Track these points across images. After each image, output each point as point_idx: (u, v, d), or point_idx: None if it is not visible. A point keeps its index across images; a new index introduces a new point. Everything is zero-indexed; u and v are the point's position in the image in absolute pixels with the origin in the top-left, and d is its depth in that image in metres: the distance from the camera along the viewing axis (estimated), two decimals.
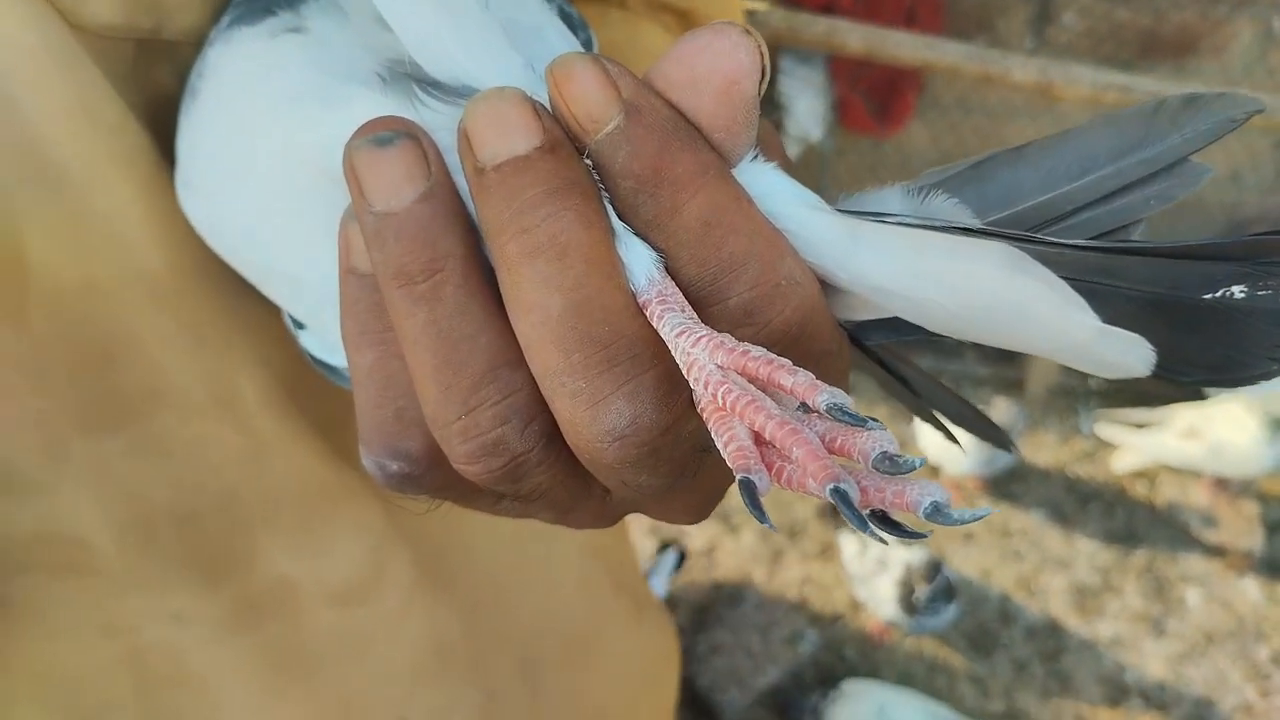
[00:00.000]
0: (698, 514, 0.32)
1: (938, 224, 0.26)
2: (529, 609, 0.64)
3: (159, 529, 0.43)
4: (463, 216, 0.26)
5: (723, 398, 0.24)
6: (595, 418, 0.24)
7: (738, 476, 0.23)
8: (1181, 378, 0.26)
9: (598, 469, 0.26)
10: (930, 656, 2.03)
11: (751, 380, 0.24)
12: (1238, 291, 0.24)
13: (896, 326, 0.30)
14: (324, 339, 0.38)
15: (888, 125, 2.19)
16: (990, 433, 0.36)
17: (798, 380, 0.23)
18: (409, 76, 0.29)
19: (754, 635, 2.02)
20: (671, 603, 2.04)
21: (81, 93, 0.34)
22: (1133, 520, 2.27)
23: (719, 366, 0.24)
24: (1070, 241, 0.25)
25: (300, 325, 0.38)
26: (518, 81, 0.25)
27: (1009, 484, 2.33)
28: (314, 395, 0.45)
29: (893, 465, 0.22)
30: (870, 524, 0.22)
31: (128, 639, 0.45)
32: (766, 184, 0.27)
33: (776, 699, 1.91)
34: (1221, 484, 2.25)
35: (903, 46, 1.17)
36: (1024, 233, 0.26)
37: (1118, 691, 2.00)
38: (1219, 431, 2.11)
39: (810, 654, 2.01)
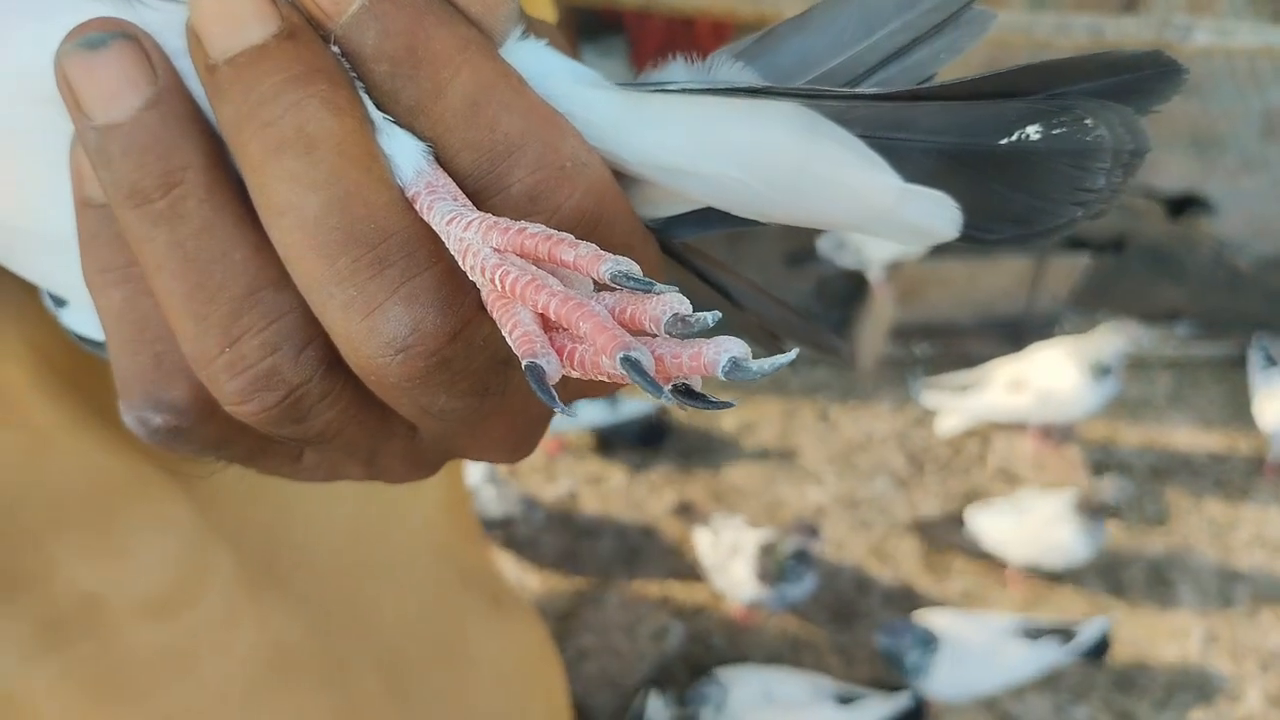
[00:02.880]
0: (516, 447, 0.30)
1: (722, 86, 0.25)
2: (382, 612, 0.60)
3: None
4: (200, 124, 0.23)
5: (500, 280, 0.22)
6: (372, 329, 0.22)
7: (523, 362, 0.21)
8: (989, 236, 0.25)
9: (388, 393, 0.24)
10: (794, 634, 2.06)
11: (532, 260, 0.22)
12: (1033, 132, 0.23)
13: (704, 221, 0.28)
14: (80, 303, 0.33)
15: None
16: (820, 339, 0.35)
17: (580, 252, 0.21)
18: None
19: (620, 636, 2.00)
20: None
21: None
22: (969, 478, 2.36)
23: (495, 250, 0.22)
24: (859, 92, 0.24)
25: (60, 303, 0.34)
26: None
27: (852, 456, 2.39)
28: (93, 382, 0.40)
29: (685, 326, 0.21)
30: (670, 394, 0.21)
31: None
32: (538, 62, 0.25)
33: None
34: (1047, 432, 2.37)
35: None
36: (812, 88, 0.24)
37: None
38: (1042, 381, 2.20)
39: (678, 647, 2.00)
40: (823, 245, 2.38)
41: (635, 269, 0.21)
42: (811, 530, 1.91)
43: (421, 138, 0.23)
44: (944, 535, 2.24)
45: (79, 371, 0.40)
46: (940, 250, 2.37)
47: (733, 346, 0.20)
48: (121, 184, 0.23)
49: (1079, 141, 0.23)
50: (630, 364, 0.20)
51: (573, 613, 2.04)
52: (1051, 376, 2.19)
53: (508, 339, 0.22)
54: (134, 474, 0.43)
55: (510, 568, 2.06)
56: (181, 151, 0.23)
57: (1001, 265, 2.49)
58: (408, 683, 0.60)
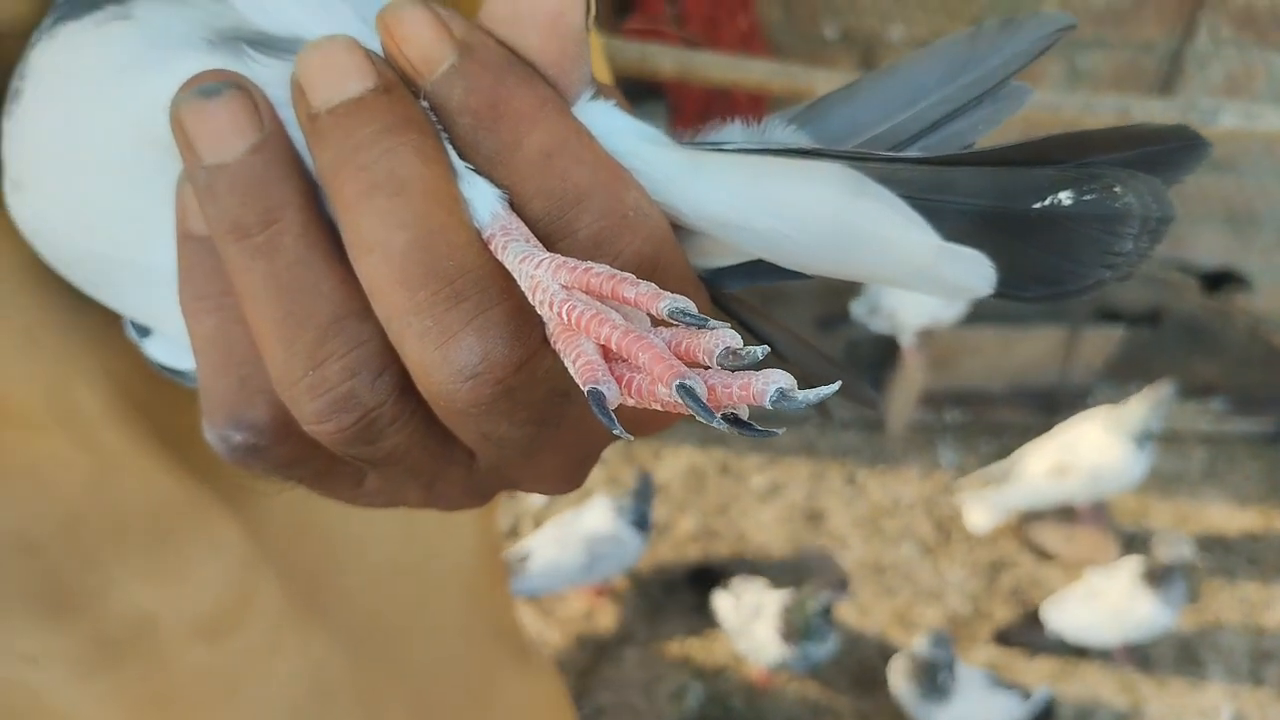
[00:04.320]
0: (569, 478, 0.31)
1: (774, 147, 0.27)
2: (416, 652, 0.61)
3: (1, 564, 0.39)
4: (298, 168, 0.25)
5: (567, 314, 0.23)
6: (445, 357, 0.24)
7: (585, 389, 0.22)
8: (1022, 294, 0.26)
9: (454, 419, 0.26)
10: (814, 700, 2.04)
11: (596, 297, 0.24)
12: (1065, 198, 0.24)
13: (752, 272, 0.30)
14: (168, 335, 0.35)
15: None
16: (858, 391, 0.36)
17: (641, 290, 0.23)
18: (238, 38, 0.28)
19: (638, 694, 1.98)
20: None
21: None
22: (996, 547, 2.33)
23: (563, 286, 0.24)
24: (902, 155, 0.25)
25: (144, 333, 0.36)
26: (349, 31, 0.25)
27: (878, 520, 2.37)
28: (161, 408, 0.42)
29: (736, 359, 0.22)
30: (720, 421, 0.22)
31: None
32: (606, 120, 0.27)
33: None
34: (1094, 511, 2.32)
35: (713, 67, 1.22)
36: (858, 150, 0.26)
37: None
38: (1088, 459, 2.14)
39: (697, 708, 1.99)
40: (856, 309, 2.38)
41: (691, 306, 0.23)
42: (842, 584, 1.90)
43: (498, 185, 0.25)
44: (970, 606, 2.21)
45: (148, 400, 0.42)
46: (974, 318, 2.37)
47: (780, 378, 0.22)
48: (225, 219, 0.25)
49: (1108, 207, 0.24)
50: (685, 391, 0.22)
51: (591, 669, 2.03)
52: (1096, 453, 2.13)
53: (570, 367, 0.23)
54: (193, 501, 0.44)
55: (531, 621, 2.06)
56: (281, 191, 0.25)
57: (1035, 335, 2.49)
58: None
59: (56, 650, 0.42)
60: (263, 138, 0.25)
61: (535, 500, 2.31)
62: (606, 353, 0.23)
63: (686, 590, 2.17)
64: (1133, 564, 2.00)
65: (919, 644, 1.88)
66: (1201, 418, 2.60)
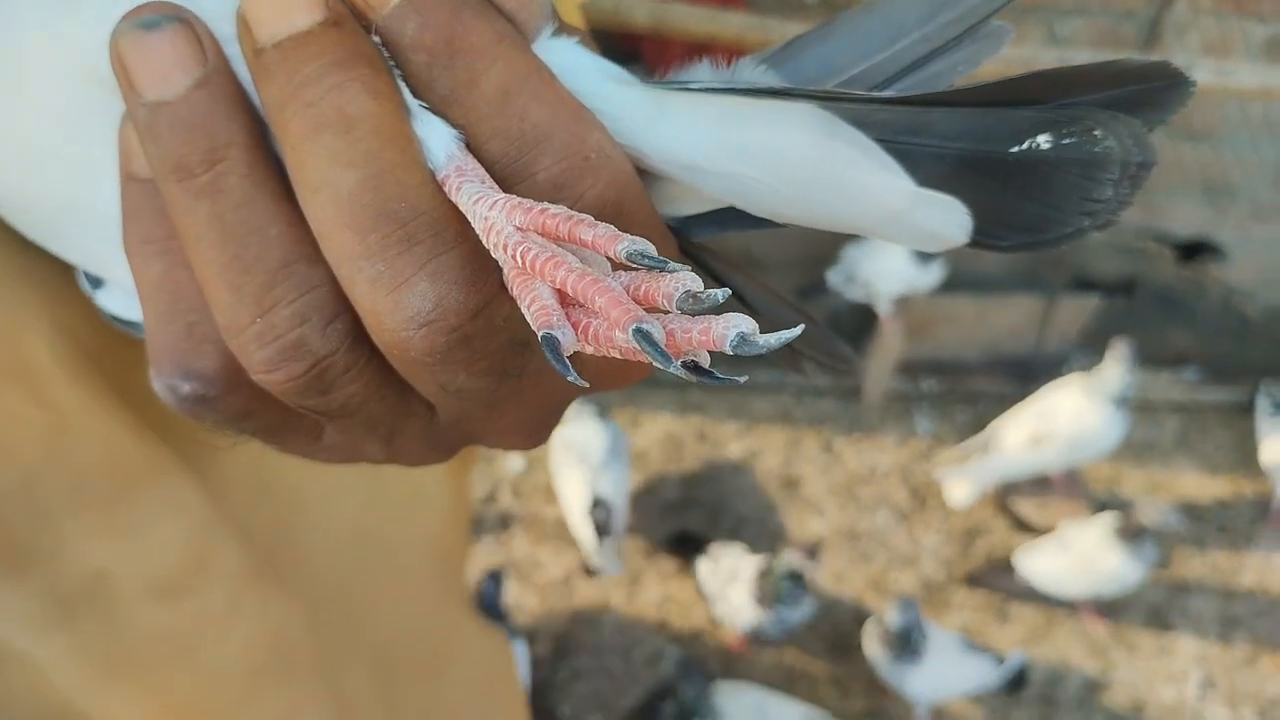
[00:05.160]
0: (533, 433, 0.30)
1: (744, 86, 0.26)
2: (378, 616, 0.60)
3: None
4: (244, 105, 0.24)
5: (522, 257, 0.23)
6: (398, 303, 0.23)
7: (540, 334, 0.22)
8: (999, 243, 0.25)
9: (409, 368, 0.25)
10: (790, 664, 2.06)
11: (553, 239, 0.23)
12: (1044, 141, 0.24)
13: (721, 220, 0.29)
14: (119, 284, 0.34)
15: None
16: (833, 347, 0.36)
17: (598, 232, 0.22)
18: None
19: (615, 658, 2.00)
20: (530, 633, 2.00)
21: None
22: (971, 515, 2.35)
23: (518, 228, 0.23)
24: (876, 95, 0.25)
25: (96, 284, 0.35)
26: None
27: (854, 488, 2.39)
28: (117, 364, 0.41)
29: (696, 302, 0.21)
30: (680, 368, 0.21)
31: None
32: (568, 58, 0.26)
33: (641, 717, 1.89)
34: (1069, 478, 2.34)
35: (688, 19, 1.21)
36: (830, 90, 0.25)
37: None
38: (1067, 426, 2.15)
39: (672, 672, 2.00)
40: (833, 278, 2.39)
41: (650, 249, 0.22)
42: (810, 552, 1.92)
43: (454, 125, 0.24)
44: (944, 571, 2.24)
45: (104, 355, 0.41)
46: (950, 286, 2.38)
47: (741, 322, 0.21)
48: (168, 158, 0.24)
49: (1088, 152, 0.23)
50: (642, 336, 0.21)
51: (569, 633, 2.04)
52: (1075, 419, 2.14)
53: (525, 313, 0.22)
54: (150, 458, 0.44)
55: (510, 586, 2.07)
56: (226, 130, 0.24)
57: (1011, 303, 2.50)
58: (396, 688, 0.61)
59: (10, 606, 0.42)
60: (206, 73, 0.24)
61: (513, 465, 2.31)
62: (563, 298, 0.23)
63: (664, 557, 2.18)
64: (1107, 519, 2.02)
65: (889, 611, 1.90)
66: (1174, 387, 2.62)
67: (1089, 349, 2.57)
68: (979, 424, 2.40)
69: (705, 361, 0.22)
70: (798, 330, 0.21)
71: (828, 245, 2.38)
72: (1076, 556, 2.02)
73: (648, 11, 1.17)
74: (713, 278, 0.32)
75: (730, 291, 0.22)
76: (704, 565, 2.02)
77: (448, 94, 0.24)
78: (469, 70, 0.24)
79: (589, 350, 0.22)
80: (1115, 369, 2.11)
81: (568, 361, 0.21)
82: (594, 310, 0.22)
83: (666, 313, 0.22)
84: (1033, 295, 2.48)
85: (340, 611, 0.57)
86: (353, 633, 0.58)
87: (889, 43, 0.27)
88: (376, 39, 0.24)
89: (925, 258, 2.26)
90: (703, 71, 0.28)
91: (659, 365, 0.21)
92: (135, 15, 0.24)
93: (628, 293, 0.22)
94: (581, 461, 1.95)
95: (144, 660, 0.46)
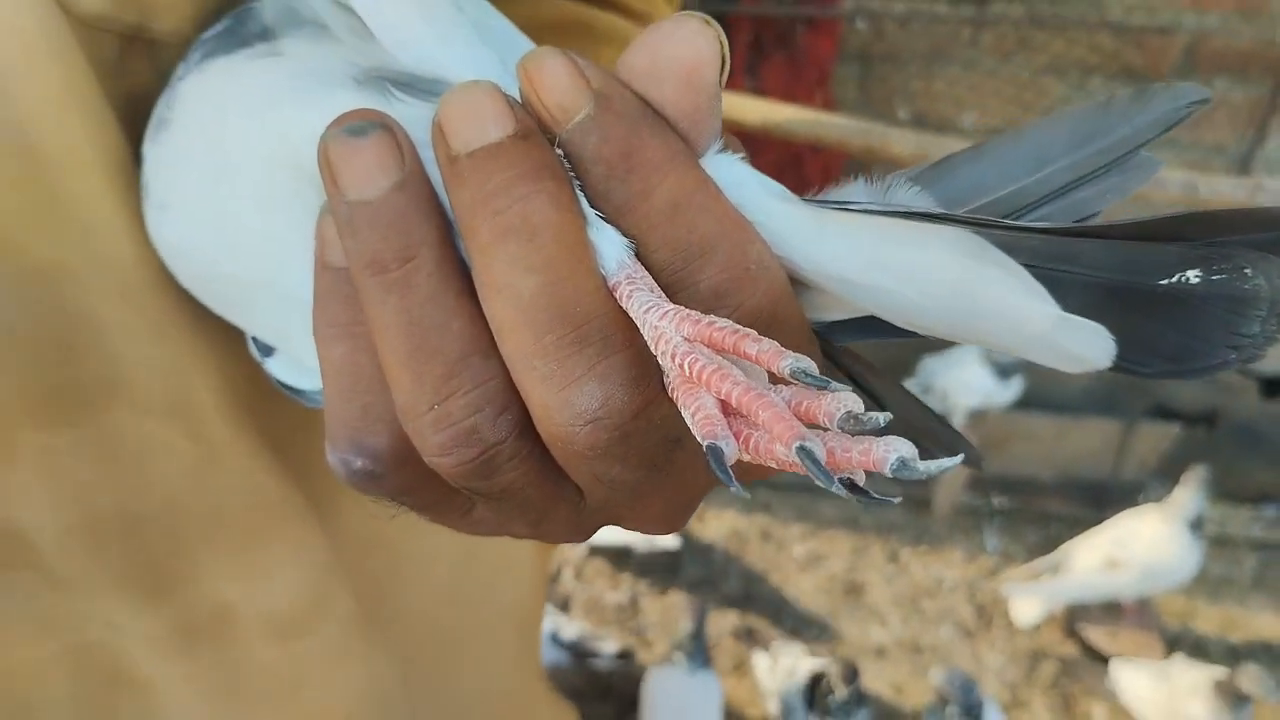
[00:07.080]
0: (672, 520, 0.32)
1: (899, 210, 0.27)
2: (461, 676, 0.62)
3: (101, 536, 0.41)
4: (436, 207, 0.26)
5: (689, 367, 0.24)
6: (567, 400, 0.25)
7: (704, 444, 0.23)
8: (1141, 369, 0.26)
9: (569, 459, 0.26)
10: None
11: (718, 351, 0.24)
12: (1193, 276, 0.24)
13: (864, 328, 0.30)
14: (292, 354, 0.37)
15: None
16: (961, 448, 0.36)
17: (763, 347, 0.23)
18: (384, 79, 0.30)
19: None
20: None
21: (68, 78, 0.34)
22: (1038, 636, 2.30)
23: (685, 339, 0.24)
24: (1028, 225, 0.26)
25: (267, 352, 0.38)
26: (490, 76, 0.26)
27: (918, 599, 2.36)
28: (269, 411, 0.44)
29: (857, 423, 0.22)
30: (838, 485, 0.22)
31: (67, 637, 0.43)
32: (733, 174, 0.28)
33: None
34: (1141, 607, 2.28)
35: (794, 122, 1.26)
36: (983, 217, 0.26)
37: None
38: (1143, 554, 2.10)
39: None
40: (909, 388, 2.38)
41: (813, 366, 0.22)
42: (848, 676, 1.89)
43: (625, 234, 0.26)
44: (1008, 694, 2.18)
45: (257, 406, 0.44)
46: (1027, 404, 2.37)
47: (901, 447, 0.21)
48: (364, 253, 0.25)
49: (1238, 288, 0.24)
50: (805, 453, 0.22)
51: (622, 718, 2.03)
52: (1152, 546, 2.09)
53: (689, 420, 0.23)
54: (285, 501, 0.46)
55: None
56: (419, 230, 0.25)
57: (1089, 426, 2.47)
58: None
59: (141, 628, 0.44)
60: (404, 177, 0.25)
61: (578, 550, 2.33)
62: (725, 407, 0.24)
63: (724, 653, 2.17)
64: (1213, 672, 1.96)
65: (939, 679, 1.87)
66: (1254, 524, 2.56)
67: (1167, 478, 2.52)
68: (1049, 545, 2.35)
69: (861, 480, 0.23)
70: (957, 459, 0.22)
71: (906, 353, 2.39)
72: (1171, 694, 1.96)
73: (759, 113, 1.23)
74: (852, 380, 0.34)
75: (891, 416, 0.22)
76: (762, 661, 2.00)
77: (622, 204, 0.26)
78: (644, 183, 0.25)
79: (747, 459, 0.23)
80: (1190, 493, 2.07)
81: (729, 470, 0.23)
82: (757, 423, 0.23)
83: (825, 430, 0.23)
84: (1112, 419, 2.46)
85: (430, 667, 0.59)
86: (439, 688, 0.60)
87: (1036, 168, 0.28)
88: (559, 150, 0.25)
89: (1005, 373, 2.26)
90: (858, 191, 0.29)
91: (819, 482, 0.22)
92: (344, 121, 0.26)
93: (789, 407, 0.23)
94: None
95: (253, 695, 0.48)
